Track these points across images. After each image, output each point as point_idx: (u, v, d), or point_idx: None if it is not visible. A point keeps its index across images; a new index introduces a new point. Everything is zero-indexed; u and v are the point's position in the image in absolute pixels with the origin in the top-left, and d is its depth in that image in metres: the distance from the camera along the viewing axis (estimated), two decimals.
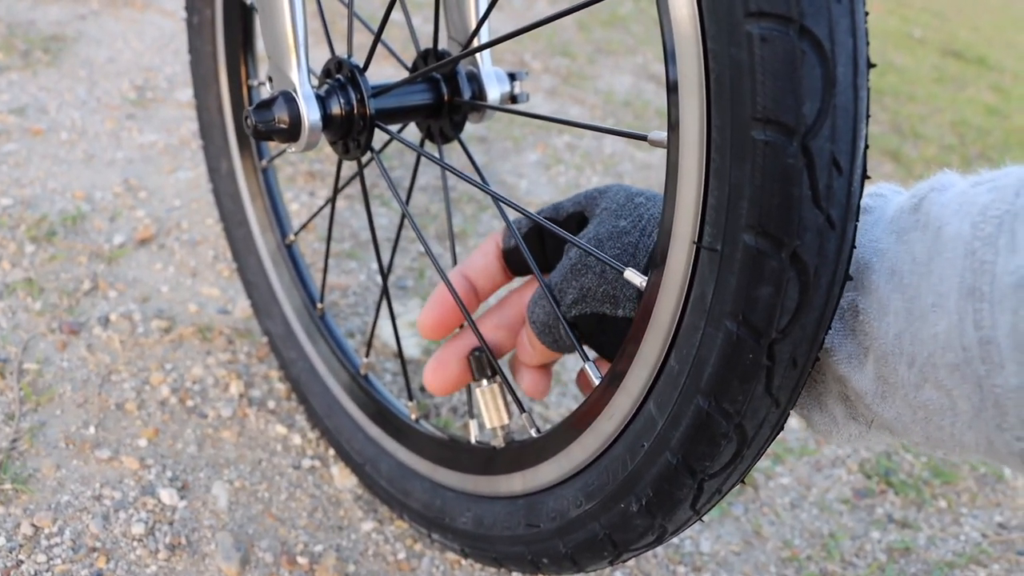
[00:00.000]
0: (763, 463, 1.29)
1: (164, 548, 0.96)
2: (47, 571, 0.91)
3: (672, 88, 0.53)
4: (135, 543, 0.96)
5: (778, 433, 0.60)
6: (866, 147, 0.51)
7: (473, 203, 1.74)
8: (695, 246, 0.54)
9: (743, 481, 0.64)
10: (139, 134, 1.72)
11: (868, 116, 0.51)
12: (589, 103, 2.39)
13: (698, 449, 0.58)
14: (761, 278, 0.50)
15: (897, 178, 2.45)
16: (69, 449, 1.05)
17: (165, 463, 1.06)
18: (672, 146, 0.55)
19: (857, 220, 0.52)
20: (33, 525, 0.95)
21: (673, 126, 0.54)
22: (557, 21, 2.94)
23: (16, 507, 0.96)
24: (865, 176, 0.51)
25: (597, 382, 0.68)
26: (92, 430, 1.08)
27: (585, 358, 0.70)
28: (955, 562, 1.21)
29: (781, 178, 0.48)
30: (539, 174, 1.94)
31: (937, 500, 1.32)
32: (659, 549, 1.11)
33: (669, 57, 0.52)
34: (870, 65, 0.49)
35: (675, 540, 1.13)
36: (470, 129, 2.05)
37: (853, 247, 0.53)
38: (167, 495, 1.02)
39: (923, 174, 2.49)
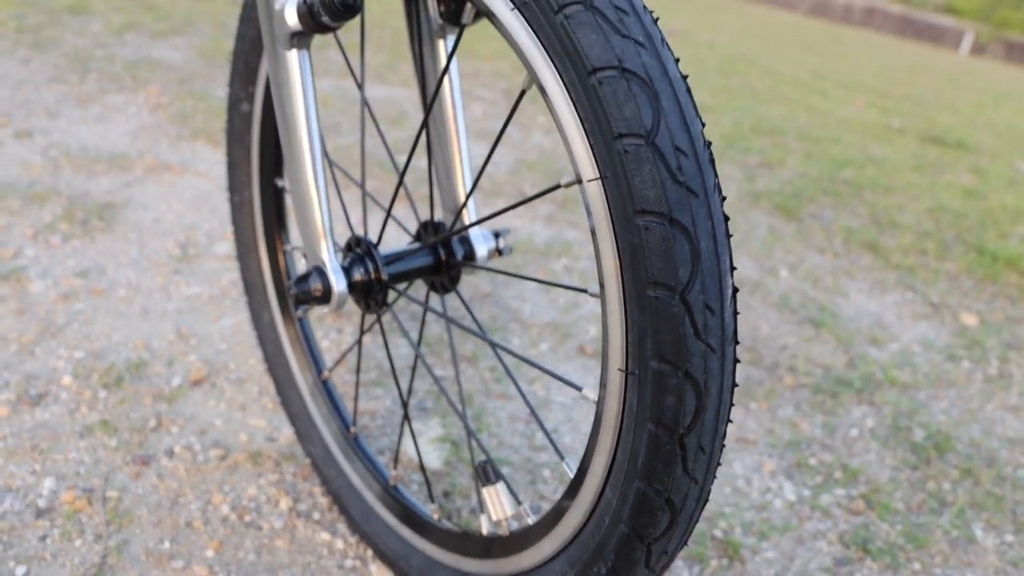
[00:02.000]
0: (749, 540, 1.46)
1: None
2: None
3: (598, 256, 0.75)
4: None
5: (704, 505, 0.80)
6: (735, 291, 0.72)
7: (484, 329, 1.96)
8: (622, 372, 0.75)
9: (686, 543, 0.83)
10: (186, 287, 1.97)
11: (733, 269, 0.72)
12: (584, 227, 2.63)
13: (642, 520, 0.77)
14: (666, 392, 0.71)
15: (876, 268, 2.66)
16: (149, 561, 1.25)
17: (230, 569, 1.26)
18: (602, 299, 0.76)
19: (735, 344, 0.73)
20: None
21: (601, 286, 0.76)
22: (552, 149, 3.20)
23: None
24: (736, 312, 0.72)
25: (572, 475, 0.88)
26: (167, 545, 1.28)
27: (562, 457, 0.90)
28: None
29: (670, 321, 0.69)
30: (540, 297, 2.16)
31: (912, 563, 1.47)
32: None
33: (593, 234, 0.74)
34: (728, 235, 0.71)
35: None
36: None
37: (736, 362, 0.73)
38: None
39: (900, 263, 2.66)
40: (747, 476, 1.62)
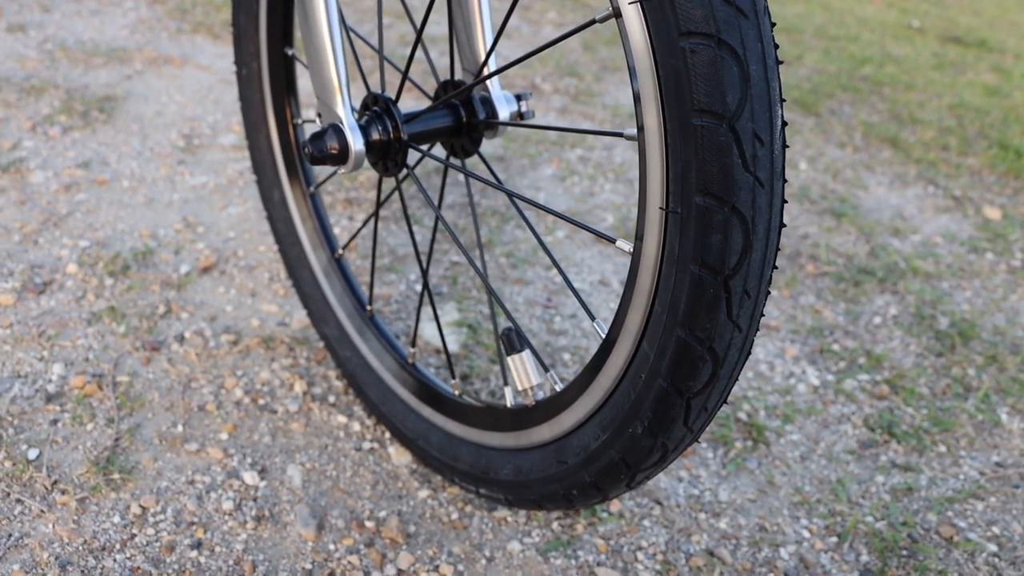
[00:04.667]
0: (773, 423, 1.43)
1: (251, 519, 1.13)
2: (156, 541, 1.08)
3: (636, 96, 0.69)
4: (226, 517, 1.13)
5: (747, 357, 0.75)
6: (784, 124, 0.67)
7: (497, 216, 1.91)
8: (662, 211, 0.70)
9: (726, 401, 0.79)
10: (191, 177, 1.91)
11: (783, 100, 0.66)
12: (598, 118, 2.55)
13: (682, 371, 0.73)
14: (711, 229, 0.66)
15: (896, 162, 2.59)
16: (163, 444, 1.22)
17: (245, 452, 1.23)
18: (641, 139, 0.71)
19: (784, 180, 0.68)
20: (141, 506, 1.12)
21: (639, 126, 0.70)
22: (564, 44, 3.11)
23: (125, 492, 1.14)
24: (785, 146, 0.67)
25: (604, 335, 0.84)
26: (180, 428, 1.25)
27: (592, 316, 0.86)
28: (955, 497, 1.34)
29: (717, 152, 0.64)
30: (555, 186, 2.11)
31: (937, 446, 1.45)
32: (681, 499, 1.26)
33: (632, 73, 0.69)
34: (778, 62, 0.65)
35: (695, 491, 1.28)
36: (488, 149, 2.22)
37: (784, 201, 0.68)
38: (249, 477, 1.19)
39: (921, 157, 2.58)
40: (770, 361, 1.59)
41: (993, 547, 1.25)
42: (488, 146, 2.24)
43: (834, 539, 1.24)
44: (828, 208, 2.21)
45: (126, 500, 1.13)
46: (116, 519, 1.10)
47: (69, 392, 1.30)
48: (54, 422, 1.24)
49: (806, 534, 1.24)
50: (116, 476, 1.16)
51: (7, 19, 2.60)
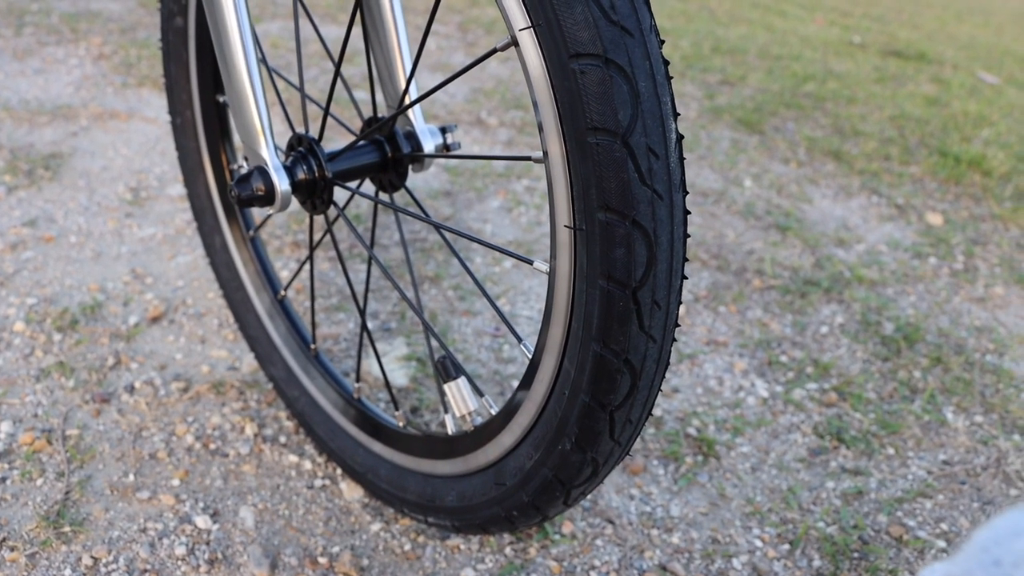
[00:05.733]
0: (723, 436, 1.45)
1: (204, 563, 1.13)
2: None
3: (538, 112, 0.72)
4: (179, 562, 1.13)
5: (665, 367, 0.77)
6: (680, 137, 0.69)
7: (444, 250, 1.93)
8: (569, 229, 0.72)
9: (651, 413, 0.81)
10: (139, 229, 1.92)
11: (677, 114, 0.69)
12: None
13: (601, 386, 0.75)
14: (615, 243, 0.68)
15: (840, 175, 2.64)
16: (114, 495, 1.22)
17: (197, 496, 1.23)
18: (546, 162, 0.73)
19: (683, 192, 0.70)
20: (92, 557, 1.12)
21: (545, 152, 0.72)
22: (510, 77, 3.15)
23: (76, 545, 1.13)
24: (682, 159, 0.69)
25: (530, 356, 0.86)
26: (131, 477, 1.25)
27: (519, 339, 0.88)
28: (904, 498, 1.37)
29: (613, 167, 0.66)
30: (502, 217, 2.13)
31: (885, 448, 1.48)
32: (634, 516, 1.27)
33: (535, 105, 0.71)
34: (668, 78, 0.68)
35: (647, 508, 1.29)
36: (436, 184, 2.24)
37: (686, 212, 0.71)
38: (202, 521, 1.19)
39: (864, 168, 2.63)
40: (718, 376, 1.61)
41: (942, 543, 1.28)
42: (435, 181, 2.26)
43: (786, 546, 1.25)
44: (773, 223, 2.25)
45: (77, 552, 1.13)
46: (67, 572, 1.10)
47: (18, 449, 1.29)
48: (2, 480, 1.23)
49: (758, 543, 1.26)
50: (67, 529, 1.16)
51: None
